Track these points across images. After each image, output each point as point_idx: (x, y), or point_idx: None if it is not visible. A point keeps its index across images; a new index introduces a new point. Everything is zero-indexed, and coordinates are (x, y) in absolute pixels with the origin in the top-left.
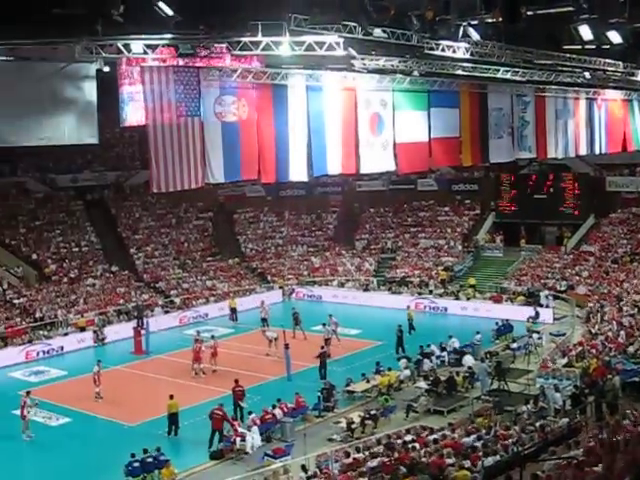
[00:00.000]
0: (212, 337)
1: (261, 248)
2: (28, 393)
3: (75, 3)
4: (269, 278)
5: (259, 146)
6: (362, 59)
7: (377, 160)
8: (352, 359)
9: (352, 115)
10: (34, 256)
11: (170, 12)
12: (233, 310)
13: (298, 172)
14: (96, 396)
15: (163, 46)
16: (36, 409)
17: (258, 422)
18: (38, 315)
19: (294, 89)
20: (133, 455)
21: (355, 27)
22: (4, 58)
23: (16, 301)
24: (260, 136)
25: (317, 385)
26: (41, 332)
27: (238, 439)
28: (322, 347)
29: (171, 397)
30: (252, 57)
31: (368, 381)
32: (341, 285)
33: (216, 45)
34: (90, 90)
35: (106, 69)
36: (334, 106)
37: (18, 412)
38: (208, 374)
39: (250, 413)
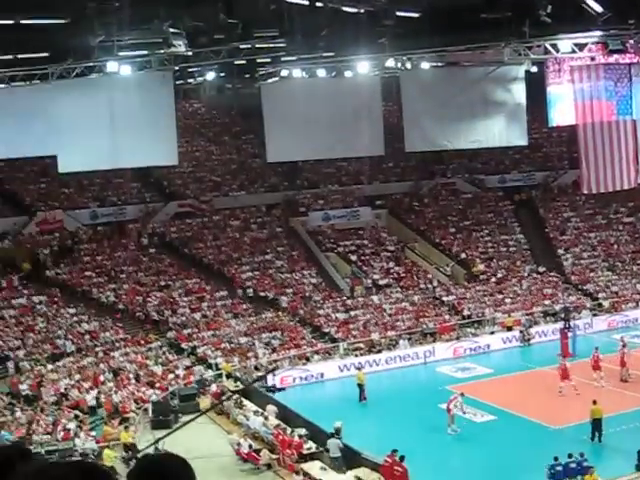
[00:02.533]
0: None
1: None
2: (462, 394)
3: (503, 6)
4: None
5: None
6: None
7: None
8: None
9: None
10: (463, 255)
11: (599, 8)
12: None
13: None
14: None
15: (592, 44)
16: (462, 406)
17: None
18: (466, 313)
19: None
20: (556, 458)
21: None
22: (435, 64)
23: (445, 298)
24: None
25: None
26: (468, 329)
27: None
28: None
29: (594, 402)
30: None
31: None
32: None
33: None
34: (519, 92)
35: (534, 70)
36: None
37: (444, 406)
38: (636, 380)
39: None
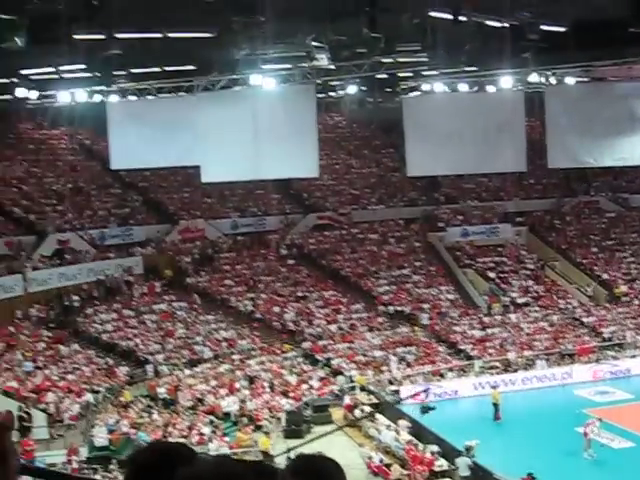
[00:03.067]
0: None
1: None
2: (600, 420)
3: None
4: None
5: None
6: None
7: None
8: None
9: None
10: (605, 276)
11: None
12: None
13: None
14: None
15: None
16: (599, 430)
17: None
18: (606, 335)
19: None
20: None
21: None
22: (580, 79)
23: (585, 320)
24: None
25: None
26: (609, 352)
27: None
28: None
29: None
30: None
31: None
32: None
33: None
34: None
35: None
36: None
37: (581, 429)
38: None
39: None
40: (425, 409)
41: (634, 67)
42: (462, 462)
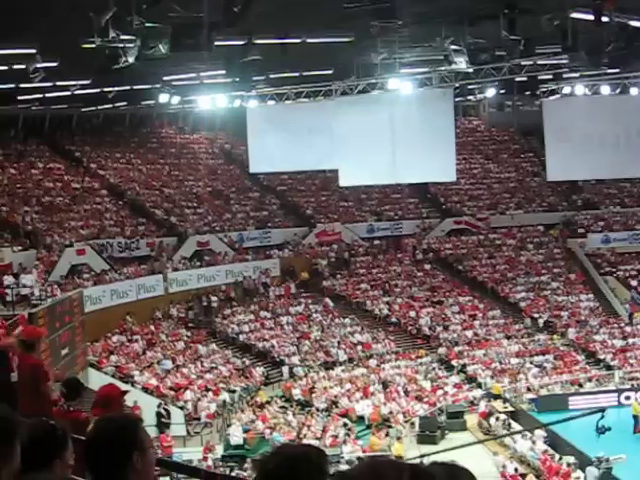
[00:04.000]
0: None
1: None
2: None
3: None
4: None
5: None
6: None
7: None
8: None
9: None
10: None
11: None
12: None
13: None
14: None
15: None
16: None
17: None
18: None
19: None
20: None
21: None
22: None
23: None
24: None
25: None
26: None
27: None
28: None
29: None
30: None
31: None
32: None
33: None
34: None
35: None
36: None
37: None
38: None
39: None
40: (602, 430)
41: None
42: (590, 472)
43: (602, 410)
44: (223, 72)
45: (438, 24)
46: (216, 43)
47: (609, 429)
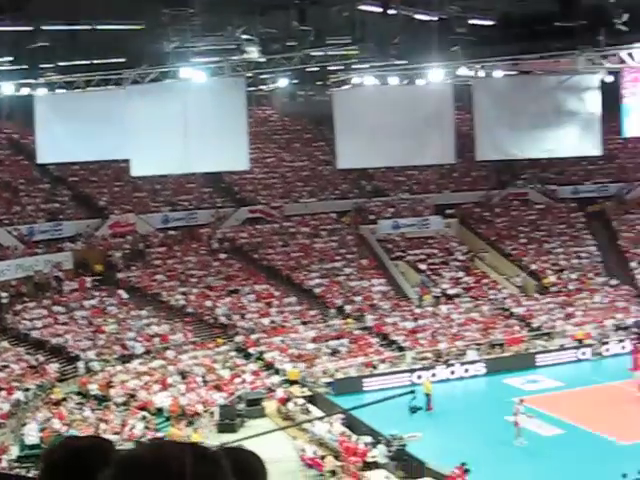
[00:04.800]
0: None
1: None
2: (522, 401)
3: (577, 14)
4: None
5: None
6: None
7: None
8: None
9: None
10: (534, 266)
11: None
12: None
13: None
14: None
15: None
16: (528, 418)
17: None
18: (535, 325)
19: None
20: (625, 475)
21: None
22: (508, 72)
23: (515, 310)
24: None
25: None
26: (538, 342)
27: None
28: None
29: None
30: None
31: None
32: None
33: None
34: (593, 101)
35: (609, 79)
36: None
37: (511, 418)
38: None
39: None
40: (414, 409)
41: (561, 61)
42: (381, 450)
43: (412, 391)
44: (10, 59)
45: (230, 13)
46: (2, 29)
47: (420, 408)
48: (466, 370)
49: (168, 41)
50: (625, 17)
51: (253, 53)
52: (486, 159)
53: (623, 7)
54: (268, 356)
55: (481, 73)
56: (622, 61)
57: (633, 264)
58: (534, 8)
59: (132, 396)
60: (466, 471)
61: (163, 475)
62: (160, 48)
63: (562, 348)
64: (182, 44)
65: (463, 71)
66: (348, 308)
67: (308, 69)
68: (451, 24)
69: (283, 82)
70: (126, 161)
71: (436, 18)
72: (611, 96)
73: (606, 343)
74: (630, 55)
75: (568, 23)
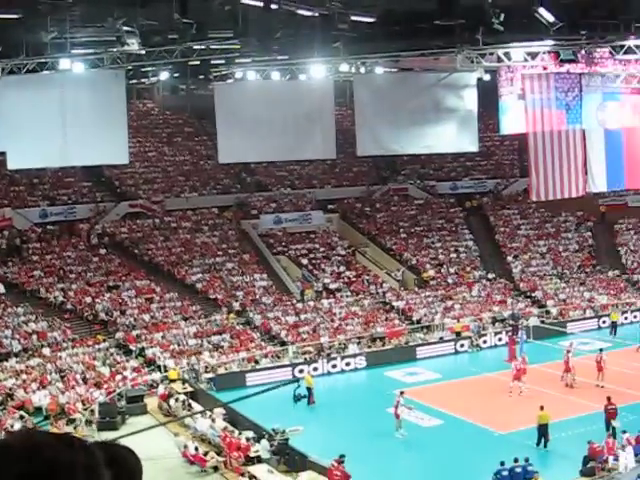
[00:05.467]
0: (600, 350)
1: None
2: (402, 393)
3: (456, 13)
4: None
5: None
6: None
7: None
8: None
9: None
10: (413, 261)
11: (551, 18)
12: (613, 324)
13: None
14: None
15: (544, 53)
16: (408, 410)
17: (633, 442)
18: (415, 318)
19: None
20: (502, 463)
21: None
22: (388, 69)
23: (395, 303)
24: None
25: None
26: (418, 335)
27: (611, 458)
28: None
29: (541, 408)
30: (638, 61)
31: None
32: None
33: (598, 50)
34: (470, 99)
35: (486, 77)
36: None
37: (392, 410)
38: (581, 387)
39: (624, 432)
40: (299, 397)
41: (440, 59)
42: (263, 445)
43: (297, 380)
44: None
45: (110, 4)
46: None
47: (304, 396)
48: (347, 363)
49: (46, 31)
50: (502, 17)
51: (133, 45)
52: (367, 154)
53: (500, 7)
54: (149, 352)
55: (362, 69)
56: (499, 60)
57: (509, 258)
58: (415, 6)
59: (9, 395)
60: (341, 462)
61: (33, 462)
62: (38, 38)
63: (441, 340)
64: (61, 35)
65: (345, 67)
66: (230, 303)
67: (190, 62)
68: (333, 20)
69: (164, 75)
70: (2, 154)
71: (318, 14)
72: (489, 94)
73: (483, 335)
74: (506, 54)
75: (448, 22)
